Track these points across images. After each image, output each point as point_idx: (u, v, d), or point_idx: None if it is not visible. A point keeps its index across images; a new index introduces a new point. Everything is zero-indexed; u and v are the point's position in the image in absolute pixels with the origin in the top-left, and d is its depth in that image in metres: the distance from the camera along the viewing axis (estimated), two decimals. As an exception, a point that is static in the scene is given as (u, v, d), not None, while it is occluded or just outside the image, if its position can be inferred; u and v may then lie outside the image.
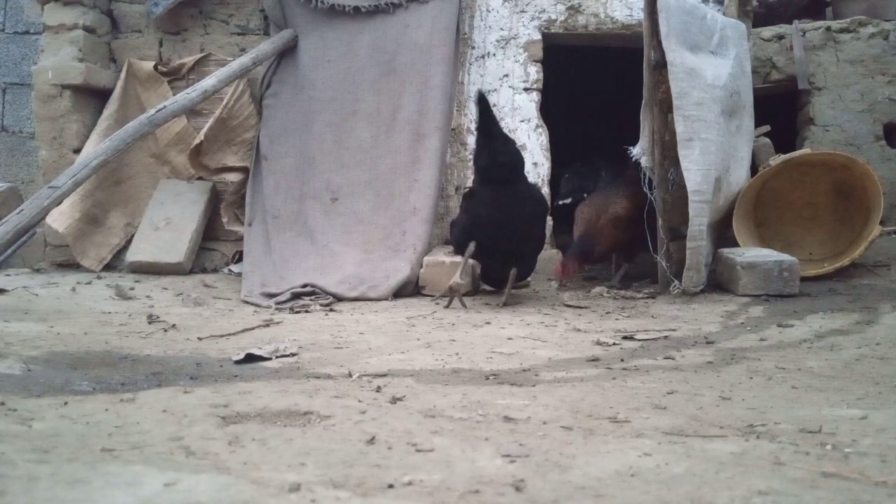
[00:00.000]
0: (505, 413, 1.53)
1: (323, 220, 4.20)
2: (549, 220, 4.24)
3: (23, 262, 4.58)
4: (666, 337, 2.60)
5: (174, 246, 4.32)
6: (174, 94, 4.30)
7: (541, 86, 4.54)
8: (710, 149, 3.55)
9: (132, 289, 3.73)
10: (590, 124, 6.04)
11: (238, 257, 4.46)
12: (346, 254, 4.03)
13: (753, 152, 4.16)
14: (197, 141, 4.36)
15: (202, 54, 4.71)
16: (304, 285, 3.80)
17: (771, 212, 4.22)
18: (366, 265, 3.94)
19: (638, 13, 4.30)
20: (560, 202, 4.93)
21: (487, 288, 3.93)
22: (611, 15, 4.50)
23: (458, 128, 4.53)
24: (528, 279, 4.13)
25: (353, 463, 1.18)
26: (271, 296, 3.75)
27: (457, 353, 2.29)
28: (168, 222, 4.41)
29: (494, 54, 4.56)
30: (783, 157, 4.03)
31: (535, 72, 4.54)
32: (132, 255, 4.31)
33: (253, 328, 2.85)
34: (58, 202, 3.43)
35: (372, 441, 1.30)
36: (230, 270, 4.37)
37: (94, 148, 3.82)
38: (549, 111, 4.60)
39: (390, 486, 1.07)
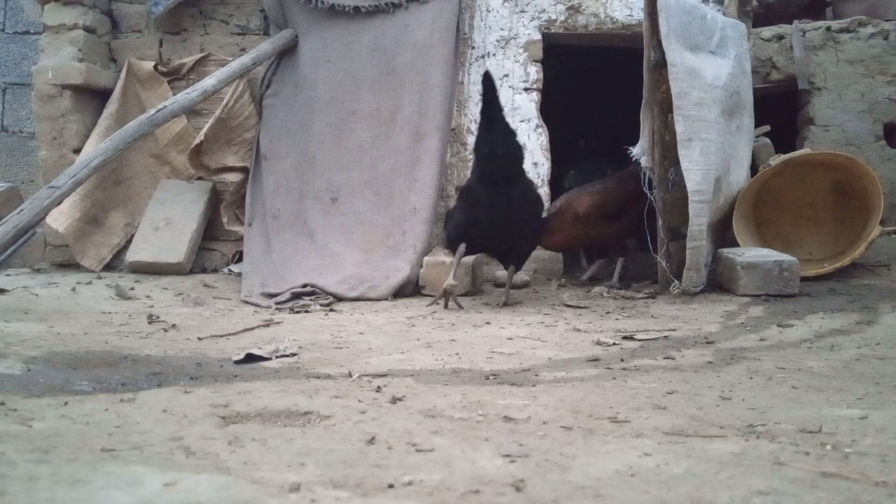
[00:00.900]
0: (505, 413, 1.53)
1: (323, 220, 4.20)
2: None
3: (23, 262, 4.58)
4: (666, 337, 2.60)
5: (174, 246, 4.32)
6: (174, 94, 4.30)
7: (541, 86, 4.54)
8: (710, 149, 3.55)
9: (132, 289, 3.73)
10: (590, 124, 6.03)
11: (238, 257, 4.46)
12: (346, 254, 4.03)
13: (753, 152, 4.16)
14: (197, 141, 4.36)
15: (202, 54, 4.71)
16: (304, 285, 3.80)
17: (771, 212, 4.22)
18: (366, 265, 3.95)
19: (638, 13, 4.30)
20: None
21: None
22: (611, 15, 4.50)
23: (458, 128, 4.53)
24: (528, 279, 4.14)
25: (353, 463, 1.18)
26: (271, 296, 3.75)
27: (457, 353, 2.29)
28: (168, 222, 4.41)
29: (494, 54, 4.56)
30: (783, 157, 4.03)
31: (535, 72, 4.54)
32: (132, 255, 4.31)
33: (253, 328, 2.85)
34: (58, 202, 3.43)
35: (372, 441, 1.30)
36: (230, 270, 4.37)
37: (94, 148, 3.82)
38: (550, 111, 4.60)
39: (390, 486, 1.07)
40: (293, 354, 2.28)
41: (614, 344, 2.47)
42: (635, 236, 4.13)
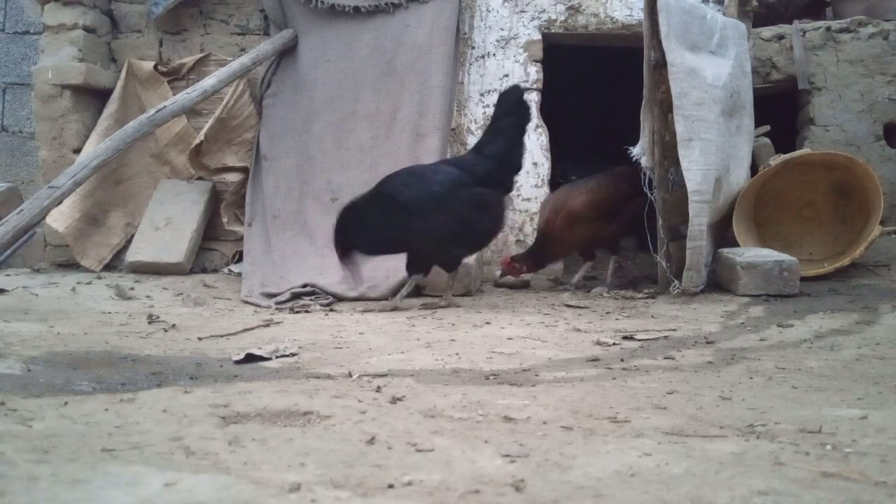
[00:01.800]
0: (505, 413, 1.53)
1: (323, 220, 4.19)
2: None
3: (23, 262, 4.58)
4: (666, 337, 2.60)
5: (174, 246, 4.32)
6: (174, 94, 4.30)
7: (541, 86, 4.54)
8: (710, 149, 3.55)
9: (132, 289, 3.73)
10: (590, 124, 6.03)
11: (238, 257, 4.46)
12: (346, 254, 4.02)
13: (753, 152, 4.16)
14: (197, 141, 4.36)
15: (202, 54, 4.71)
16: (304, 285, 3.80)
17: (771, 212, 4.22)
18: (366, 265, 3.94)
19: (638, 13, 4.30)
20: None
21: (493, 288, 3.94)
22: (611, 15, 4.50)
23: (458, 128, 4.53)
24: (528, 279, 4.14)
25: (353, 463, 1.18)
26: (271, 296, 3.75)
27: (457, 353, 2.29)
28: (168, 222, 4.41)
29: (494, 54, 4.56)
30: (783, 157, 4.03)
31: (535, 72, 4.54)
32: (132, 255, 4.30)
33: (253, 328, 2.85)
34: (58, 202, 3.43)
35: (372, 441, 1.30)
36: (230, 270, 4.37)
37: (94, 148, 3.82)
38: (549, 111, 4.60)
39: (390, 486, 1.07)
40: (293, 354, 2.28)
41: (614, 344, 2.47)
42: (634, 236, 4.12)
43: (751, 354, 2.28)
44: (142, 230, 4.42)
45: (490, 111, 4.50)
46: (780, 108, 4.71)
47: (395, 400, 1.64)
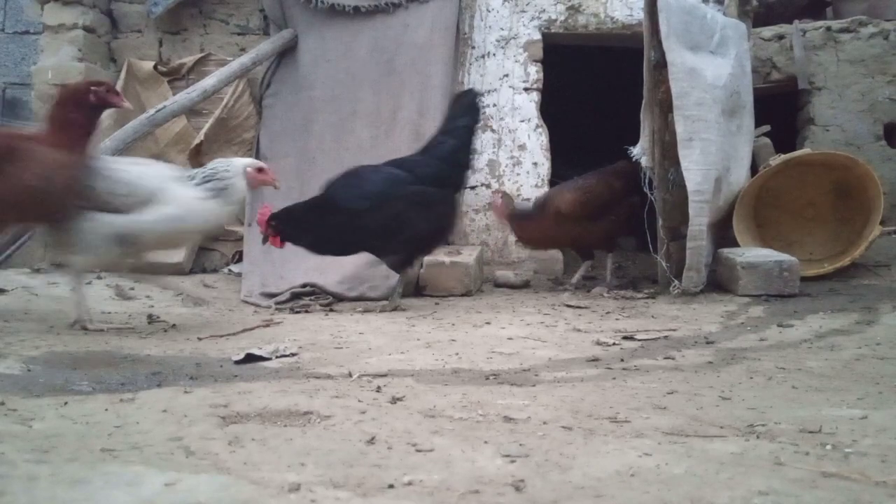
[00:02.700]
0: (505, 413, 1.53)
1: (323, 220, 4.19)
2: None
3: (23, 262, 4.57)
4: (666, 337, 2.60)
5: (174, 246, 4.31)
6: (174, 94, 4.30)
7: (541, 86, 4.54)
8: (711, 149, 3.55)
9: (132, 289, 3.73)
10: (590, 124, 6.03)
11: (238, 257, 4.46)
12: (345, 254, 4.02)
13: (753, 152, 4.15)
14: (197, 141, 4.37)
15: (202, 54, 4.71)
16: (304, 285, 3.80)
17: (771, 212, 4.22)
18: (365, 265, 3.94)
19: (638, 13, 4.30)
20: None
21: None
22: (611, 15, 4.50)
23: (458, 128, 4.52)
24: (528, 279, 4.14)
25: (353, 463, 1.18)
26: (271, 296, 3.75)
27: (457, 353, 2.29)
28: (168, 222, 4.40)
29: (494, 54, 4.56)
30: (783, 157, 4.03)
31: (535, 72, 4.54)
32: (132, 255, 4.30)
33: (253, 328, 2.85)
34: (58, 202, 3.42)
35: (372, 441, 1.30)
36: (230, 270, 4.37)
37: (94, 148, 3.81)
38: (550, 111, 4.60)
39: (390, 486, 1.07)
40: (293, 354, 2.28)
41: (614, 344, 2.47)
42: (633, 236, 4.12)
43: (751, 354, 2.28)
44: (142, 230, 4.41)
45: (489, 111, 4.52)
46: (780, 107, 4.70)
47: (395, 400, 1.64)
